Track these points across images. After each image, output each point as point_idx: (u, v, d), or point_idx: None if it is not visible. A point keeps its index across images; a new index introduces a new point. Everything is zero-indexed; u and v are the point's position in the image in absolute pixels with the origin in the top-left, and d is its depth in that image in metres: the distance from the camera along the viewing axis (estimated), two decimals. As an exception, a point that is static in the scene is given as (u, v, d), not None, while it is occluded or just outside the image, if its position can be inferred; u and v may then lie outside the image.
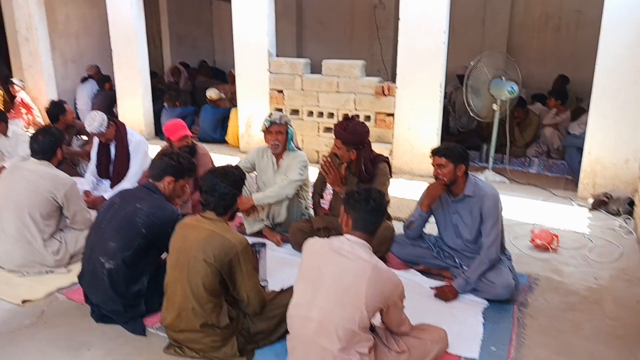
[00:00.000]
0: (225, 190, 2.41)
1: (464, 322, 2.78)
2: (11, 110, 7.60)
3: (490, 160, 5.61)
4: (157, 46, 10.40)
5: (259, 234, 3.86)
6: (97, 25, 8.75)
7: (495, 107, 5.41)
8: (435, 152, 2.98)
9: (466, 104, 5.36)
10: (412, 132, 5.53)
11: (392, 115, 5.61)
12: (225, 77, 10.14)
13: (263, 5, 6.05)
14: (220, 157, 6.31)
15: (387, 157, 3.52)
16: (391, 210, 3.94)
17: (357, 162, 3.33)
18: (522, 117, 6.44)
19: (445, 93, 7.08)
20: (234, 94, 7.63)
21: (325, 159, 3.37)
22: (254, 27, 6.16)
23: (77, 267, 3.10)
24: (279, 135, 3.70)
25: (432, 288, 3.11)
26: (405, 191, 5.05)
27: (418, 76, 5.36)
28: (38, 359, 2.48)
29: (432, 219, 3.31)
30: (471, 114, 5.49)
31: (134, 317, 2.69)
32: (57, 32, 8.36)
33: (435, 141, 5.46)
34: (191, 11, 10.57)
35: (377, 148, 5.22)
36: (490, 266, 2.95)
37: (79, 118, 7.85)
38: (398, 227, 3.60)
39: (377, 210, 2.23)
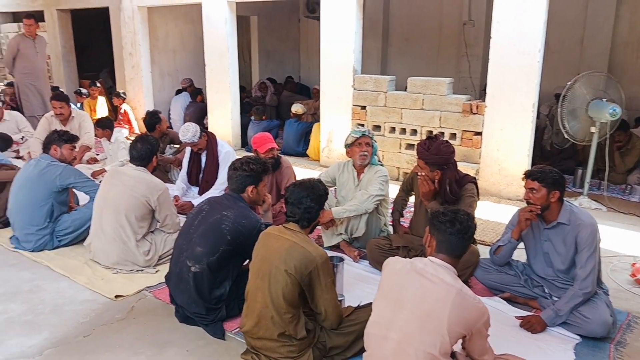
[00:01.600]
0: (310, 204, 2.45)
1: (552, 356, 2.60)
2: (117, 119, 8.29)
3: (586, 185, 5.24)
4: (246, 62, 10.87)
5: (336, 247, 3.87)
6: (193, 42, 9.33)
7: (593, 129, 5.06)
8: (528, 175, 2.84)
9: (561, 126, 5.06)
10: (501, 153, 5.31)
11: (480, 134, 5.42)
12: (309, 93, 10.37)
13: (351, 23, 6.13)
14: (301, 170, 6.44)
15: (475, 178, 3.40)
16: (476, 233, 3.78)
17: (442, 183, 3.24)
18: (624, 142, 5.97)
19: (539, 113, 6.75)
20: (317, 109, 7.79)
21: (422, 174, 3.28)
22: (341, 44, 6.26)
23: (164, 268, 3.29)
24: (368, 147, 3.73)
25: (517, 318, 2.94)
26: (491, 214, 4.85)
27: (509, 95, 5.16)
28: (126, 352, 2.64)
29: (520, 245, 3.14)
30: (566, 136, 5.17)
31: (214, 321, 2.79)
32: (157, 48, 9.01)
33: (526, 163, 5.20)
34: (280, 28, 10.95)
35: (462, 168, 5.07)
36: (585, 300, 2.74)
37: (172, 128, 8.38)
38: (483, 251, 3.45)
39: (463, 233, 2.15)
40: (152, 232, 3.64)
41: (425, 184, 3.22)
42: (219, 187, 4.61)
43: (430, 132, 5.71)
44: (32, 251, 3.80)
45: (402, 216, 3.92)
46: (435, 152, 3.22)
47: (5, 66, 7.88)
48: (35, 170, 3.82)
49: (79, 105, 8.72)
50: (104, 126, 5.88)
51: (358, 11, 6.13)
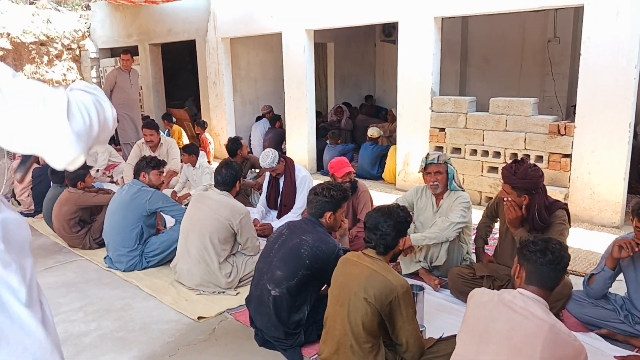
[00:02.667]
0: (387, 230, 2.41)
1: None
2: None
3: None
4: (322, 87, 11.08)
5: (415, 275, 3.77)
6: (272, 70, 9.68)
7: (702, 150, 4.60)
8: (636, 214, 2.61)
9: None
10: (593, 177, 4.96)
11: (569, 156, 5.10)
12: (384, 115, 10.35)
13: (429, 45, 6.07)
14: (377, 194, 6.38)
15: (566, 204, 3.18)
16: (567, 262, 3.54)
17: (530, 209, 3.06)
18: None
19: (636, 133, 6.25)
20: (392, 131, 7.74)
21: (508, 199, 3.13)
22: (419, 67, 6.21)
23: (245, 290, 3.36)
24: (437, 175, 3.60)
25: (616, 357, 2.69)
26: (583, 242, 4.51)
27: (602, 115, 4.83)
28: (209, 374, 2.71)
29: (619, 276, 2.88)
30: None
31: (293, 346, 2.79)
32: (239, 76, 9.44)
33: (621, 187, 4.81)
34: (356, 53, 11.08)
35: (550, 192, 4.76)
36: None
37: (252, 153, 8.68)
38: (575, 283, 3.21)
39: (556, 264, 2.01)
40: (233, 254, 3.74)
41: (512, 210, 3.06)
42: (297, 211, 4.68)
43: (515, 154, 5.46)
44: (124, 271, 4.05)
45: (487, 243, 3.74)
46: (523, 176, 3.05)
47: (103, 98, 8.59)
48: (127, 195, 4.09)
49: (167, 131, 9.29)
50: (191, 152, 6.19)
51: (436, 33, 6.06)
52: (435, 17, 5.97)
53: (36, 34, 10.85)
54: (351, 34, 9.99)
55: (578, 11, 4.98)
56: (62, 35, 11.35)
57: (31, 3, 11.02)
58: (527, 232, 3.06)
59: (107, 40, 11.38)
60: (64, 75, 11.55)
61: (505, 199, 3.12)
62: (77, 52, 11.73)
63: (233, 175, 3.76)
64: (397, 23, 6.46)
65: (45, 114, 1.02)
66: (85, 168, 4.87)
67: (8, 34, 10.39)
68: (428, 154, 3.75)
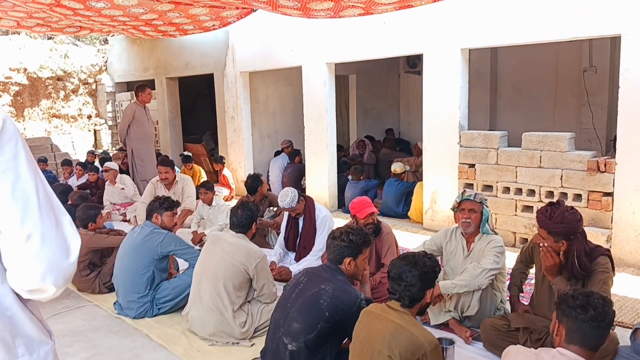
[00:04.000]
0: (413, 281, 2.35)
1: None
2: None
3: None
4: (344, 120, 11.18)
5: (444, 326, 3.66)
6: (292, 104, 9.83)
7: None
8: None
9: None
10: (638, 217, 4.81)
11: (610, 195, 4.98)
12: (409, 148, 10.34)
13: (456, 77, 6.09)
14: (402, 234, 6.31)
15: (608, 250, 3.08)
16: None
17: (569, 255, 2.96)
18: None
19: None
20: (418, 166, 7.70)
21: (544, 244, 3.03)
22: (445, 99, 6.22)
23: (260, 341, 3.31)
24: (471, 213, 3.53)
25: None
26: (629, 289, 4.34)
27: (645, 150, 4.73)
28: None
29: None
30: None
31: (311, 405, 2.71)
32: (258, 110, 9.60)
33: (670, 229, 4.66)
34: (379, 85, 11.19)
35: (590, 233, 4.67)
36: None
37: (270, 188, 8.72)
38: (621, 335, 3.07)
39: (599, 321, 1.93)
40: (248, 301, 3.70)
41: (549, 257, 2.97)
42: (316, 254, 4.64)
43: (551, 192, 5.35)
44: (134, 318, 4.03)
45: (522, 291, 3.63)
46: (560, 220, 2.96)
47: (119, 132, 8.81)
48: (138, 237, 4.12)
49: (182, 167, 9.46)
50: (208, 188, 6.24)
51: (463, 65, 6.09)
52: (462, 48, 6.00)
53: (53, 69, 11.29)
54: (374, 66, 10.11)
55: (615, 40, 4.95)
56: (79, 70, 11.79)
57: (49, 38, 11.50)
58: (566, 281, 2.96)
59: (124, 74, 11.76)
60: (80, 110, 11.93)
61: (541, 244, 3.04)
62: (94, 87, 12.14)
63: (249, 216, 3.76)
64: (421, 55, 6.52)
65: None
66: (96, 208, 4.95)
67: (25, 69, 10.84)
68: (465, 190, 3.70)
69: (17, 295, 1.18)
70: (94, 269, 4.65)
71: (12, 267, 1.13)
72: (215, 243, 3.77)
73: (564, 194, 5.25)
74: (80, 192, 6.83)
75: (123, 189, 7.52)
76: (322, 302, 2.71)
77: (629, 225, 4.88)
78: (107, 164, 7.91)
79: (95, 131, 12.12)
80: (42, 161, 9.27)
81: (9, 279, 1.15)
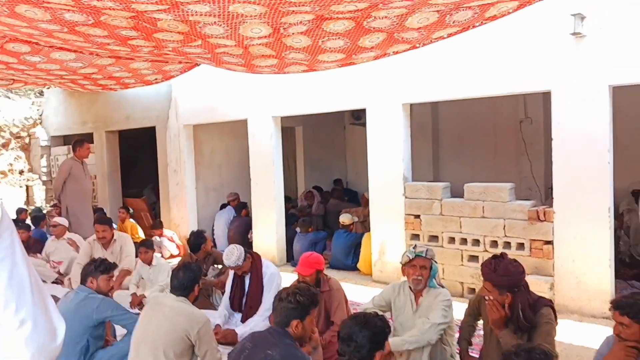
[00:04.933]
0: (362, 342, 2.35)
1: None
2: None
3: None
4: (291, 171, 11.26)
5: (397, 384, 3.64)
6: (238, 156, 9.81)
7: (684, 233, 4.77)
8: (615, 307, 2.63)
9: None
10: (577, 264, 5.05)
11: (551, 243, 5.22)
12: (357, 199, 10.49)
13: (398, 130, 6.32)
14: (352, 287, 6.32)
15: (551, 301, 3.20)
16: (558, 363, 3.49)
17: (514, 307, 3.06)
18: None
19: (617, 213, 6.49)
20: (366, 216, 7.81)
21: (490, 298, 3.12)
22: (389, 151, 6.42)
23: (205, 413, 3.16)
24: (423, 270, 3.59)
25: None
26: (573, 336, 4.49)
27: (580, 199, 5.02)
28: None
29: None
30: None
31: None
32: (203, 164, 9.53)
33: (608, 275, 4.90)
34: (325, 136, 11.42)
35: (534, 281, 4.86)
36: None
37: (215, 243, 8.56)
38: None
39: (543, 377, 1.98)
40: (194, 369, 3.56)
41: (495, 310, 3.05)
42: (264, 314, 4.54)
43: (495, 242, 5.55)
44: (66, 392, 3.78)
45: (471, 345, 3.68)
46: (504, 272, 3.08)
47: (54, 189, 8.49)
48: (72, 303, 3.91)
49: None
50: (149, 247, 6.05)
51: (405, 119, 6.34)
52: (404, 103, 6.27)
53: (-17, 123, 10.86)
54: (320, 118, 10.32)
55: (547, 93, 5.33)
56: (11, 124, 11.39)
57: (-21, 90, 11.13)
58: (513, 334, 3.03)
59: (60, 127, 11.45)
60: (11, 165, 11.44)
61: (487, 297, 3.12)
62: (27, 140, 11.72)
63: (191, 278, 3.66)
64: (365, 109, 6.75)
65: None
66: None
67: (-49, 123, 10.36)
68: (416, 245, 3.77)
69: None
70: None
71: (3, 350, 1.18)
72: (155, 308, 3.62)
73: (508, 243, 5.45)
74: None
75: (76, 246, 7.11)
76: (269, 368, 2.65)
77: (570, 273, 5.10)
78: (56, 219, 7.57)
79: (27, 187, 11.61)
80: None
81: None
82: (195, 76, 7.28)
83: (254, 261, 4.75)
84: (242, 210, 8.87)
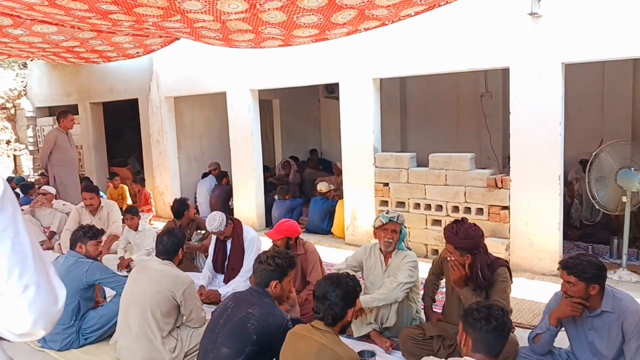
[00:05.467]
0: (335, 300, 2.38)
1: None
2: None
3: (624, 257, 5.02)
4: (269, 141, 11.16)
5: (366, 337, 3.72)
6: (218, 127, 9.67)
7: (625, 199, 4.92)
8: (564, 267, 2.71)
9: (590, 197, 4.95)
10: (530, 227, 5.18)
11: (507, 208, 5.33)
12: (331, 168, 10.50)
13: (369, 104, 6.29)
14: (326, 249, 6.37)
15: (507, 261, 3.28)
16: (512, 316, 3.61)
17: (473, 267, 3.13)
18: (658, 208, 5.77)
19: (567, 181, 6.65)
20: (339, 184, 7.84)
21: (452, 258, 3.18)
22: (360, 124, 6.40)
23: (190, 367, 3.19)
24: (393, 233, 3.65)
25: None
26: (526, 292, 4.64)
27: (533, 168, 5.11)
28: None
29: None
30: (597, 206, 5.04)
31: None
32: (184, 133, 9.35)
33: (557, 237, 5.05)
34: (301, 109, 11.32)
35: (492, 243, 4.98)
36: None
37: (198, 210, 8.49)
38: (520, 336, 3.27)
39: (499, 331, 2.05)
40: (177, 327, 3.57)
41: (456, 270, 3.12)
42: (245, 275, 4.55)
43: (456, 207, 5.64)
44: (59, 350, 3.76)
45: (434, 301, 3.78)
46: (464, 236, 3.14)
47: (40, 159, 8.25)
48: (62, 267, 3.85)
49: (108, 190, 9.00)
50: (134, 214, 5.97)
51: (375, 93, 6.30)
52: (374, 78, 6.22)
53: (-33, 94, 10.40)
54: (295, 91, 10.21)
55: (506, 70, 5.36)
56: (-4, 95, 10.94)
57: (-37, 62, 10.61)
58: (472, 291, 3.11)
59: (45, 99, 11.06)
60: (-3, 135, 11.06)
61: (449, 258, 3.19)
62: (12, 112, 11.30)
63: (175, 243, 3.64)
64: (338, 83, 6.68)
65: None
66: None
67: (-64, 94, 9.90)
68: (388, 211, 3.80)
69: None
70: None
71: (7, 314, 1.18)
72: (142, 271, 3.60)
73: (468, 209, 5.55)
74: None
75: (67, 211, 6.94)
76: (249, 325, 2.67)
77: (523, 235, 5.23)
78: (44, 187, 7.38)
79: (15, 157, 11.26)
80: None
81: (1, 323, 1.19)
82: (176, 50, 7.08)
83: (234, 227, 4.74)
84: (222, 179, 8.79)
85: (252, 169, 7.74)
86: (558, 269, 2.77)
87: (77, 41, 5.40)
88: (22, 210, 6.98)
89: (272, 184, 8.68)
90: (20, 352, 3.84)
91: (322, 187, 7.55)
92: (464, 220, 3.26)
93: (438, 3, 3.78)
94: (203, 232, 6.10)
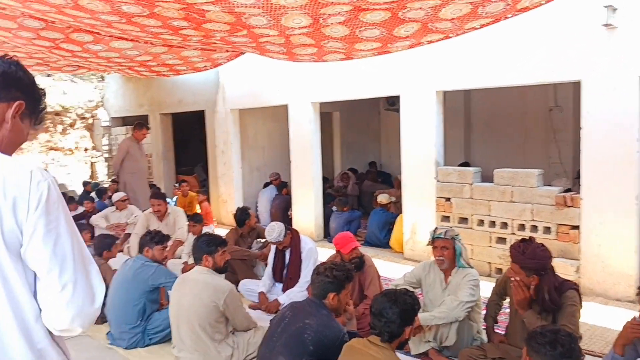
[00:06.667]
0: (392, 317, 2.35)
1: None
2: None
3: None
4: (328, 153, 11.24)
5: (424, 355, 3.64)
6: (279, 139, 9.87)
7: None
8: None
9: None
10: (603, 249, 4.87)
11: (577, 227, 5.05)
12: (390, 180, 10.41)
13: (431, 116, 6.20)
14: (384, 263, 6.31)
15: (576, 284, 3.10)
16: (582, 341, 3.41)
17: (540, 289, 2.99)
18: None
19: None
20: (399, 198, 7.75)
21: (515, 279, 3.05)
22: (422, 137, 6.31)
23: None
24: (444, 250, 3.56)
25: None
26: (598, 318, 4.37)
27: (607, 187, 4.82)
28: None
29: None
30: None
31: None
32: (248, 145, 9.63)
33: (634, 260, 4.72)
34: (360, 121, 11.33)
35: (560, 264, 4.73)
36: None
37: (258, 219, 8.68)
38: (592, 366, 3.08)
39: (566, 357, 1.94)
40: (233, 334, 3.61)
41: (520, 291, 2.99)
42: (303, 286, 4.59)
43: (522, 225, 5.42)
44: (126, 348, 3.95)
45: (497, 322, 3.64)
46: (532, 256, 3.00)
47: (113, 166, 8.75)
48: (130, 270, 4.06)
49: (175, 198, 9.37)
50: (197, 221, 6.19)
51: (438, 105, 6.20)
52: (437, 90, 6.13)
53: (52, 105, 11.24)
54: (356, 104, 10.22)
55: (577, 83, 5.12)
56: (77, 105, 11.75)
57: (48, 75, 11.47)
58: (537, 315, 2.97)
59: (119, 109, 11.75)
60: (77, 143, 11.85)
61: (512, 279, 3.06)
62: (90, 121, 12.09)
63: (200, 249, 3.65)
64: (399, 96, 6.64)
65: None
66: (111, 238, 4.92)
67: (25, 105, 10.78)
68: (436, 227, 3.73)
69: (48, 331, 1.32)
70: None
71: (47, 310, 1.28)
72: (184, 284, 3.63)
73: (535, 227, 5.31)
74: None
75: (135, 216, 7.34)
76: (306, 336, 2.68)
77: (596, 257, 4.93)
78: (119, 194, 7.70)
79: (92, 163, 12.03)
80: None
81: (44, 318, 1.30)
82: (241, 64, 7.31)
83: (293, 237, 4.80)
84: (283, 189, 8.94)
85: (312, 180, 7.82)
86: (637, 294, 2.58)
87: (149, 55, 5.71)
88: (94, 213, 7.44)
89: (331, 196, 8.72)
90: (90, 348, 4.08)
91: (382, 198, 7.50)
92: (531, 239, 3.13)
93: (505, 15, 3.68)
94: (263, 240, 6.22)
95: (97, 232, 6.36)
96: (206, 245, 3.66)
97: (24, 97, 1.38)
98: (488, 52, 5.59)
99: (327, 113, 10.59)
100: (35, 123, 1.47)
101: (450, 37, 4.23)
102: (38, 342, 1.31)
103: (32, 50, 5.40)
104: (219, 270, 3.68)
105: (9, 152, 1.37)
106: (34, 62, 6.26)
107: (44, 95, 1.47)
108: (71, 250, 1.28)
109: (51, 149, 11.41)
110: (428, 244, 3.67)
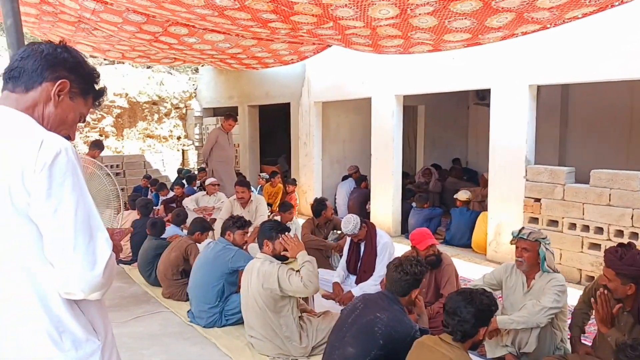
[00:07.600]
0: (467, 317, 2.28)
1: None
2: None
3: None
4: (411, 148, 11.06)
5: (501, 360, 3.49)
6: (361, 132, 9.87)
7: None
8: None
9: None
10: None
11: (686, 238, 4.58)
12: (476, 178, 10.02)
13: (523, 111, 5.88)
14: (464, 264, 6.11)
15: (677, 298, 2.82)
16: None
17: (635, 299, 2.75)
18: None
19: None
20: (484, 197, 7.44)
21: (602, 292, 2.85)
22: (512, 133, 6.01)
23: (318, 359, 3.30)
24: (524, 251, 3.38)
25: None
26: None
27: None
28: None
29: None
30: None
31: None
32: (329, 137, 9.73)
33: None
34: (447, 116, 11.01)
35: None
36: None
37: (336, 211, 8.76)
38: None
39: (661, 374, 1.77)
40: (302, 321, 3.66)
41: (605, 306, 2.77)
42: (376, 279, 4.58)
43: (621, 232, 5.00)
44: (204, 327, 4.17)
45: (584, 332, 3.40)
46: (631, 262, 2.76)
47: (202, 154, 9.23)
48: (212, 252, 4.27)
49: (259, 187, 9.69)
50: (286, 209, 6.30)
51: (531, 100, 5.87)
52: (530, 84, 5.80)
53: (150, 95, 12.07)
54: (443, 97, 9.96)
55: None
56: (172, 96, 12.52)
57: (148, 67, 12.32)
58: (622, 334, 2.73)
59: (211, 100, 12.35)
60: (171, 131, 12.63)
61: (599, 291, 2.84)
62: (184, 111, 12.82)
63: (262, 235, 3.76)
64: (489, 89, 6.36)
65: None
66: (208, 223, 5.26)
67: (126, 94, 11.67)
68: (523, 227, 3.55)
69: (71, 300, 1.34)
70: (185, 277, 4.82)
71: (50, 275, 1.30)
72: (247, 274, 3.72)
73: (635, 234, 4.89)
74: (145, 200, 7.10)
75: (222, 201, 7.72)
76: (377, 329, 2.68)
77: None
78: (211, 179, 8.03)
79: (183, 151, 12.77)
80: (146, 178, 9.85)
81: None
82: (326, 57, 7.38)
83: (368, 230, 4.79)
84: (361, 183, 8.93)
85: (391, 175, 7.74)
86: None
87: (240, 48, 5.94)
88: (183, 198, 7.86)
89: (411, 191, 8.56)
90: (173, 323, 4.35)
91: (460, 195, 7.22)
92: (630, 245, 2.88)
93: (611, 3, 3.39)
94: (339, 232, 6.27)
95: (189, 215, 6.70)
96: (268, 230, 3.74)
97: (70, 77, 1.43)
98: (588, 44, 5.20)
99: (412, 107, 10.41)
100: (93, 103, 1.52)
101: (548, 28, 3.98)
102: (54, 307, 1.32)
103: (134, 43, 5.83)
104: (278, 257, 3.71)
105: (56, 129, 1.42)
106: (136, 54, 6.76)
107: (98, 76, 1.51)
108: (74, 215, 1.28)
109: (148, 136, 12.26)
110: (511, 243, 3.51)
